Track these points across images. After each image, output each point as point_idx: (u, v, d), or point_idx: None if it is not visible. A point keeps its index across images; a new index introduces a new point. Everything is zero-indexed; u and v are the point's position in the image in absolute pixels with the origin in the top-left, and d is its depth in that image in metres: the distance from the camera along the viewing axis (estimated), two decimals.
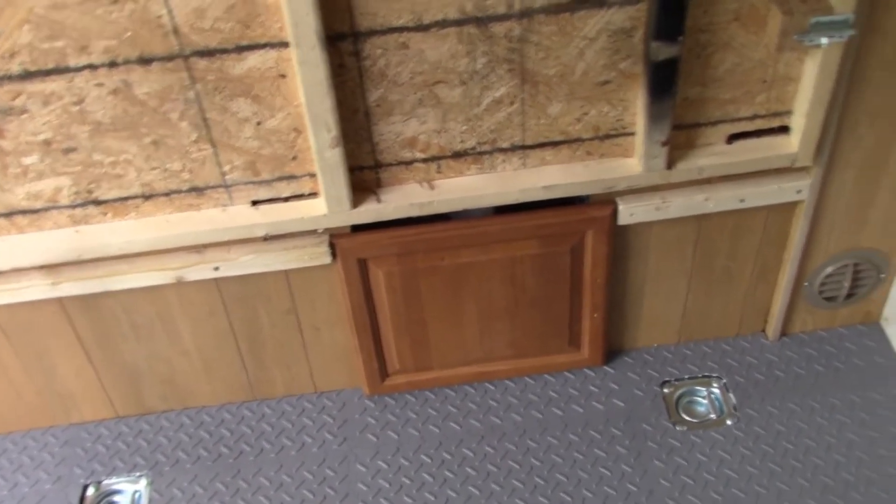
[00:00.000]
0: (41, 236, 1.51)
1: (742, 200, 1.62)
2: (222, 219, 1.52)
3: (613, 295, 1.80)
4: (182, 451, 1.82)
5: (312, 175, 1.50)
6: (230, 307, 1.70)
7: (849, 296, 1.88)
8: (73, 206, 1.49)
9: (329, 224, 1.54)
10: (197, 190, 1.50)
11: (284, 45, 1.32)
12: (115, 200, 1.49)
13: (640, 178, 1.55)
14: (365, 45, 1.35)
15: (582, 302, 1.77)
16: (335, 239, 1.59)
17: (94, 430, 1.87)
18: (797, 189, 1.62)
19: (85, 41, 1.28)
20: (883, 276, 1.86)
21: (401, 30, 1.34)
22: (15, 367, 1.75)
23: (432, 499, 1.72)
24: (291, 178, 1.51)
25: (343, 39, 1.34)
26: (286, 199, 1.53)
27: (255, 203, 1.53)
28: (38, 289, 1.57)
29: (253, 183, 1.50)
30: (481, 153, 1.52)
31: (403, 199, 1.52)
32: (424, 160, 1.51)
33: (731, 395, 1.85)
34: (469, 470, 1.76)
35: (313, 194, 1.53)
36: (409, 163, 1.51)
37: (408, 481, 1.75)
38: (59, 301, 1.64)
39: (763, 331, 1.95)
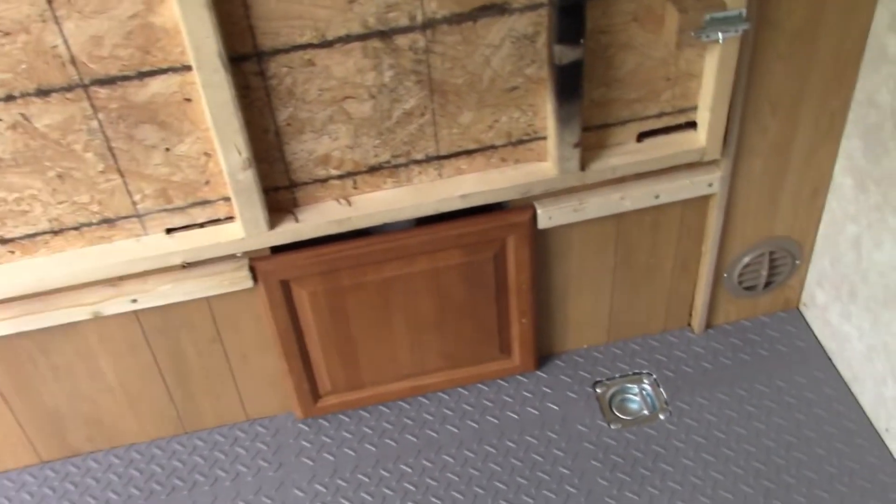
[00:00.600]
0: None
1: (657, 197, 1.65)
2: (137, 249, 1.49)
3: (540, 299, 1.81)
4: (112, 491, 1.77)
5: (227, 199, 1.48)
6: (152, 339, 1.66)
7: (767, 284, 1.93)
8: None
9: (247, 247, 1.52)
10: (108, 221, 1.46)
11: (187, 68, 1.30)
12: (22, 238, 1.45)
13: (556, 182, 1.56)
14: (270, 64, 1.34)
15: (509, 308, 1.78)
16: (255, 262, 1.57)
17: (17, 478, 1.80)
18: (708, 182, 1.66)
19: None
20: (798, 262, 1.91)
21: (305, 47, 1.33)
22: None
23: None
24: (205, 202, 1.48)
25: (247, 60, 1.32)
26: (202, 225, 1.51)
27: (169, 231, 1.50)
28: None
29: (166, 210, 1.47)
30: (396, 166, 1.52)
31: (321, 217, 1.51)
32: (340, 177, 1.51)
33: (662, 390, 1.87)
34: (408, 485, 1.75)
35: (229, 218, 1.51)
36: (324, 180, 1.50)
37: (346, 503, 1.72)
38: None
39: (689, 324, 1.99)
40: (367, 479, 1.76)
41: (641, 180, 1.64)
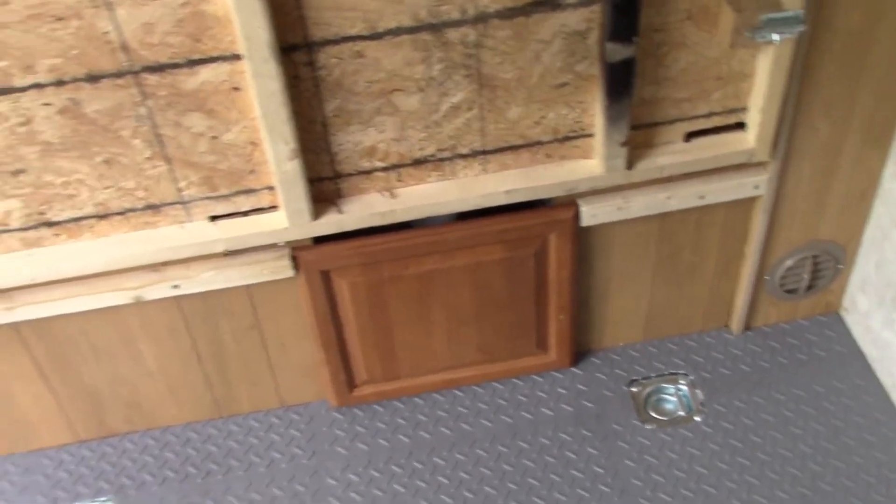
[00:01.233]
0: None
1: (702, 197, 1.63)
2: (180, 236, 1.49)
3: (579, 296, 1.80)
4: (148, 472, 1.79)
5: (271, 188, 1.48)
6: (192, 325, 1.67)
7: (809, 287, 1.90)
8: (25, 229, 1.45)
9: (290, 237, 1.52)
10: (153, 207, 1.47)
11: (237, 57, 1.30)
12: (68, 221, 1.46)
13: (602, 179, 1.55)
14: (319, 55, 1.33)
15: (548, 304, 1.77)
16: (297, 252, 1.57)
17: (55, 456, 1.82)
18: (755, 184, 1.64)
19: (30, 60, 1.25)
20: (841, 266, 1.88)
21: (355, 38, 1.32)
22: None
23: None
24: (250, 191, 1.48)
25: (297, 50, 1.32)
26: (245, 214, 1.51)
27: (213, 218, 1.50)
28: None
29: (210, 198, 1.48)
30: (441, 160, 1.51)
31: (365, 209, 1.51)
32: (384, 169, 1.50)
33: (699, 392, 1.86)
34: (441, 478, 1.75)
35: (273, 207, 1.51)
36: (369, 172, 1.50)
37: (379, 493, 1.73)
38: (14, 326, 1.60)
39: (727, 325, 1.97)
40: (400, 471, 1.76)
41: (687, 180, 1.61)
